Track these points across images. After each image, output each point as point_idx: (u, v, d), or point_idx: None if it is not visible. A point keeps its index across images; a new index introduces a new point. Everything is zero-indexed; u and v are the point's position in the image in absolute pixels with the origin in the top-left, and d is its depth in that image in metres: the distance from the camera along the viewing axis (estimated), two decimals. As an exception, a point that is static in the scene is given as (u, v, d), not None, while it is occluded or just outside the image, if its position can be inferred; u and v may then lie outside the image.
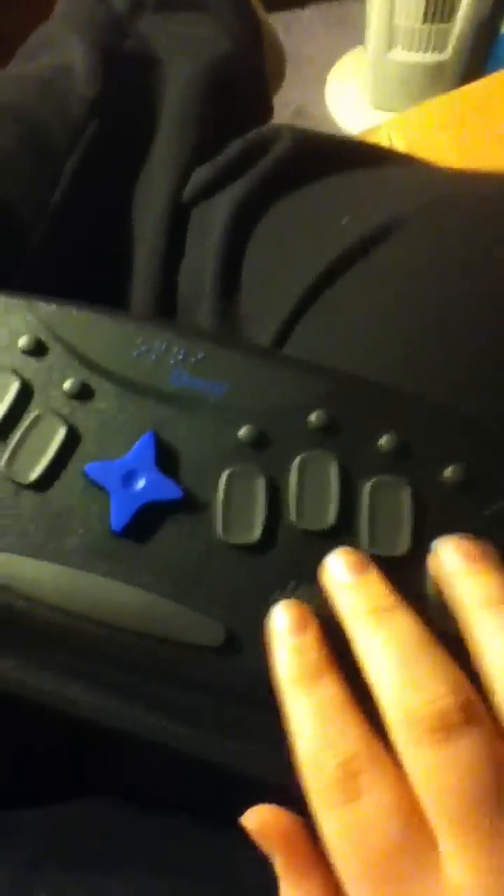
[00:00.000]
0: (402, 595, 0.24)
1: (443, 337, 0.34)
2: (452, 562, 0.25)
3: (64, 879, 0.29)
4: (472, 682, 0.22)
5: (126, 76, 0.51)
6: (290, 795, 0.23)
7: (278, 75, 0.72)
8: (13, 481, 0.28)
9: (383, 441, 0.28)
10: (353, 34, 1.35)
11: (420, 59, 1.12)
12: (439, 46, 1.10)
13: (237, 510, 0.27)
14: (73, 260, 0.46)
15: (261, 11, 0.65)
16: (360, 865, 0.21)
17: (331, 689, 0.23)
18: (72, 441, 0.28)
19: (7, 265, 0.42)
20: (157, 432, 0.28)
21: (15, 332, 0.30)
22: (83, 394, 0.29)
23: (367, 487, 0.28)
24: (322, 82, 1.36)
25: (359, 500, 0.27)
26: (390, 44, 1.12)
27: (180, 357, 0.29)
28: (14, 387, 0.29)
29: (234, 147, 0.45)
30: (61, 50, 0.51)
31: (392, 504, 0.27)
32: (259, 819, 0.24)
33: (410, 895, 0.21)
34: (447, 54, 1.10)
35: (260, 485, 0.28)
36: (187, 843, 0.32)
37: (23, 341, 0.29)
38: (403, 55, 1.12)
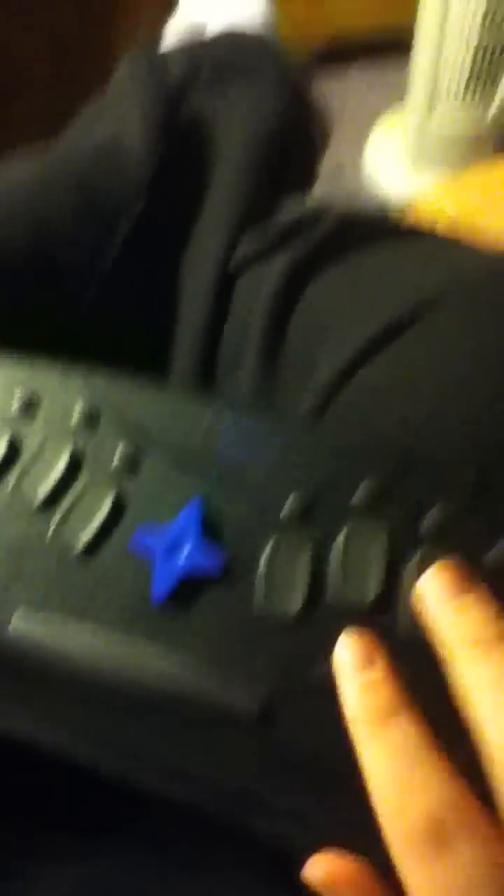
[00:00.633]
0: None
1: (477, 420, 0.35)
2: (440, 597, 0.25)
3: None
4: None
5: (179, 146, 0.53)
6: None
7: (323, 143, 0.74)
8: (61, 548, 0.29)
9: (429, 515, 0.29)
10: (395, 95, 1.38)
11: (462, 122, 1.14)
12: (482, 110, 1.12)
13: (280, 581, 0.28)
14: (121, 324, 0.47)
15: (308, 81, 0.68)
16: None
17: (408, 729, 0.22)
18: (119, 509, 0.29)
19: (58, 330, 0.44)
20: (203, 501, 0.29)
21: (69, 402, 0.31)
22: (132, 463, 0.30)
23: (412, 563, 0.28)
24: (363, 141, 1.38)
25: (403, 576, 0.28)
26: (433, 105, 1.15)
27: (228, 428, 0.30)
28: (65, 455, 0.30)
29: (285, 217, 0.47)
30: (119, 120, 0.54)
31: None
32: (324, 869, 0.23)
33: None
34: (489, 118, 1.12)
35: (304, 557, 0.28)
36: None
37: (76, 411, 0.31)
38: (446, 117, 1.14)
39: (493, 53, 1.04)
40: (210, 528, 0.29)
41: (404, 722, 0.22)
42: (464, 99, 1.11)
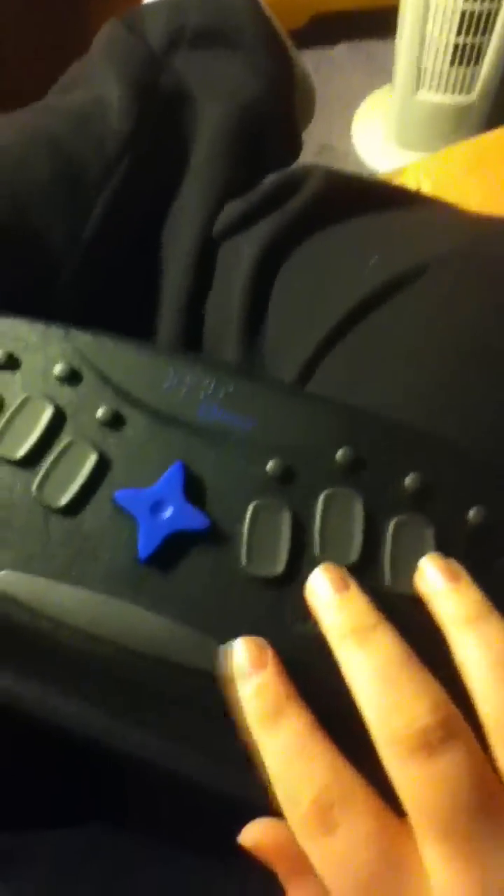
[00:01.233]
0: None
1: (465, 381, 0.34)
2: (436, 581, 0.26)
3: None
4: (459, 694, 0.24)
5: (160, 112, 0.52)
6: None
7: (308, 114, 0.73)
8: (43, 506, 0.29)
9: (408, 481, 0.28)
10: (380, 74, 1.37)
11: (447, 101, 1.14)
12: (466, 89, 1.12)
13: (262, 543, 0.28)
14: (102, 293, 0.47)
15: (293, 50, 0.67)
16: (348, 891, 0.22)
17: (294, 724, 0.24)
18: (102, 468, 0.29)
19: (38, 298, 0.43)
20: (185, 463, 0.29)
21: (51, 359, 0.30)
22: (114, 422, 0.30)
23: (390, 526, 0.28)
24: (348, 120, 1.38)
25: (382, 537, 0.28)
26: (418, 85, 1.14)
27: (210, 390, 0.30)
28: (48, 413, 0.30)
29: (266, 185, 0.46)
30: (98, 84, 0.53)
31: (415, 543, 0.28)
32: (253, 836, 0.25)
33: None
34: (474, 97, 1.11)
35: (285, 518, 0.28)
36: (182, 869, 0.32)
37: (58, 369, 0.30)
38: (430, 96, 1.13)
39: (476, 30, 1.04)
40: (193, 490, 0.29)
41: (292, 718, 0.24)
42: (448, 77, 1.10)
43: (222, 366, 0.32)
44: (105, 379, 0.30)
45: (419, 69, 1.13)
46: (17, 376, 0.30)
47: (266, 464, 0.29)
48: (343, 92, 1.42)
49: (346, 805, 0.23)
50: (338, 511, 0.28)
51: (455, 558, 0.27)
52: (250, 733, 0.25)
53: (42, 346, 0.31)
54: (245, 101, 0.53)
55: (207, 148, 0.50)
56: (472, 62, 1.09)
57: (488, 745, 0.23)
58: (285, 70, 0.62)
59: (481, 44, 1.06)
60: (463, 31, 1.04)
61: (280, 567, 0.27)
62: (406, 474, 0.29)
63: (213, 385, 0.30)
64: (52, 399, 0.30)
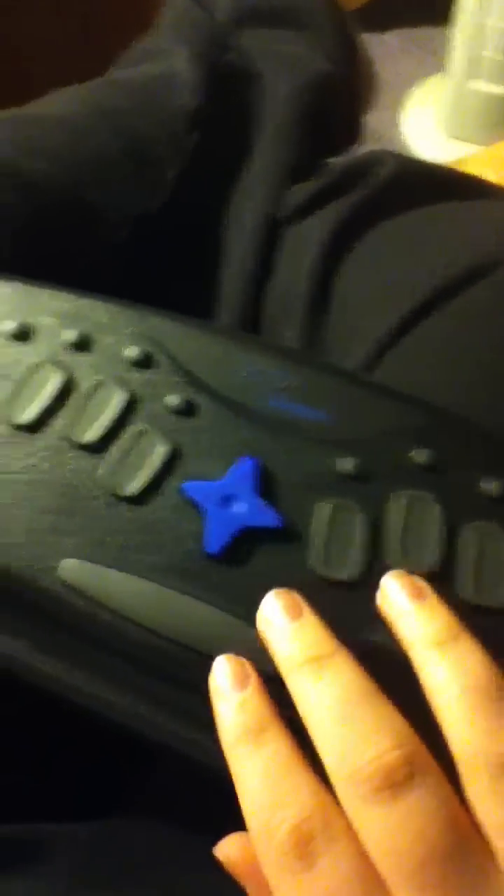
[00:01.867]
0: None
1: None
2: (400, 600, 0.25)
3: None
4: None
5: (226, 90, 0.51)
6: None
7: (366, 101, 0.72)
8: (110, 493, 0.28)
9: (487, 485, 0.27)
10: (433, 61, 1.34)
11: (501, 91, 1.11)
12: (523, 81, 1.09)
13: (335, 544, 0.27)
14: (161, 273, 0.46)
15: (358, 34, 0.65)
16: None
17: (275, 745, 0.22)
18: (172, 457, 0.28)
19: (96, 276, 0.42)
20: (257, 456, 0.28)
21: (124, 342, 0.30)
22: (186, 410, 0.29)
23: (469, 533, 0.27)
24: (399, 108, 1.35)
25: (460, 545, 0.27)
26: (473, 74, 1.12)
27: (284, 381, 0.29)
28: (119, 398, 0.29)
29: (336, 168, 0.45)
30: (166, 59, 0.52)
31: (496, 553, 0.27)
32: (225, 850, 0.23)
33: None
34: (531, 89, 1.09)
35: (359, 520, 0.27)
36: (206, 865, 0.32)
37: (131, 352, 0.29)
38: (486, 86, 1.11)
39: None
40: (264, 484, 0.28)
41: (272, 738, 0.22)
42: (505, 67, 1.07)
43: (296, 355, 0.31)
44: (178, 365, 0.29)
45: (475, 58, 1.10)
46: (90, 358, 0.29)
47: (338, 460, 0.28)
48: (393, 79, 1.39)
49: (328, 839, 0.20)
50: (414, 514, 0.27)
51: None
52: (228, 753, 0.23)
53: (115, 328, 0.30)
54: (313, 81, 0.52)
55: (274, 126, 0.49)
56: (531, 53, 1.06)
57: (460, 781, 0.21)
58: (351, 53, 0.61)
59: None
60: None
61: (353, 571, 0.27)
62: (483, 479, 0.28)
63: (287, 375, 0.29)
64: (124, 384, 0.29)
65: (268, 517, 0.27)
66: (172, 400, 0.29)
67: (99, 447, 0.28)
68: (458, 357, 0.36)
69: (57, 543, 0.27)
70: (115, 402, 0.29)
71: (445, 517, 0.27)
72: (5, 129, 0.43)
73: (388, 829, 0.20)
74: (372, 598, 0.26)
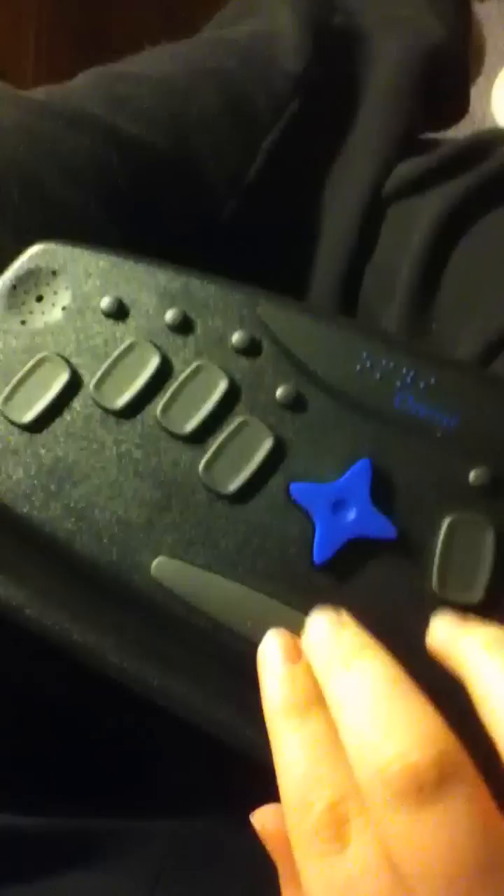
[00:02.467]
0: None
1: None
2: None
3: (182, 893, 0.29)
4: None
5: (333, 53, 0.47)
6: None
7: (475, 71, 0.68)
8: (209, 489, 0.25)
9: None
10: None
11: None
12: None
13: (458, 564, 0.24)
14: (258, 242, 0.43)
15: None
16: None
17: (322, 724, 0.21)
18: (277, 454, 0.26)
19: (194, 241, 0.40)
20: (374, 460, 0.25)
21: (228, 325, 0.27)
22: (295, 404, 0.26)
23: None
24: (489, 81, 1.29)
25: None
26: None
27: (409, 379, 0.26)
28: (221, 386, 0.26)
29: (452, 145, 0.42)
30: (270, 17, 0.49)
31: None
32: (262, 819, 0.23)
33: None
34: None
35: (488, 538, 0.24)
36: None
37: (236, 337, 0.27)
38: None
39: None
40: (380, 491, 0.25)
41: (320, 716, 0.21)
42: None
43: (423, 351, 0.28)
44: (288, 353, 0.27)
45: None
46: (190, 341, 0.27)
47: (470, 471, 0.25)
48: (488, 51, 1.32)
49: (363, 825, 0.19)
50: None
51: None
52: (271, 723, 0.22)
53: (219, 310, 0.27)
54: (427, 47, 0.48)
55: (383, 96, 0.46)
56: None
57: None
58: (465, 18, 0.56)
59: None
60: None
61: (478, 595, 0.24)
62: None
63: (413, 372, 0.26)
64: (226, 371, 0.26)
65: (382, 527, 0.24)
66: (280, 392, 0.26)
67: (198, 438, 0.26)
68: None
69: (151, 539, 0.25)
70: (217, 391, 0.26)
71: None
72: (102, 90, 0.41)
73: (414, 839, 0.18)
74: (495, 622, 0.24)
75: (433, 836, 0.18)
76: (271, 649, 0.23)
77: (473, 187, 0.39)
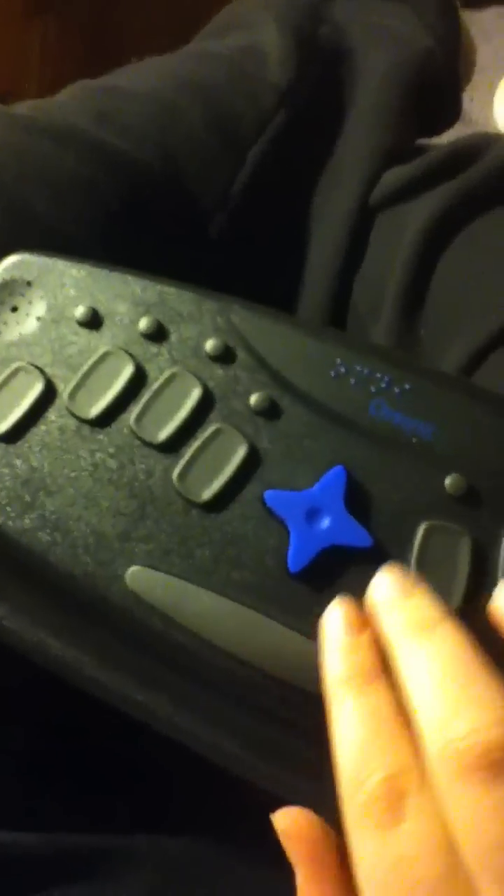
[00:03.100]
0: None
1: None
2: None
3: None
4: None
5: (319, 65, 0.47)
6: None
7: (465, 81, 0.67)
8: (184, 498, 0.25)
9: None
10: (531, 43, 1.28)
11: None
12: None
13: (435, 573, 0.24)
14: (246, 255, 0.43)
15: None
16: None
17: (384, 696, 0.21)
18: (252, 462, 0.25)
19: (181, 256, 0.40)
20: (348, 467, 0.25)
21: (202, 333, 0.27)
22: (269, 411, 0.26)
23: None
24: (491, 90, 1.29)
25: None
26: None
27: (383, 386, 0.26)
28: (195, 394, 0.26)
29: (437, 152, 0.42)
30: (256, 30, 0.49)
31: None
32: (289, 820, 0.22)
33: None
34: None
35: (464, 547, 0.24)
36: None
37: (209, 345, 0.27)
38: None
39: None
40: (354, 499, 0.25)
41: (382, 687, 0.21)
42: None
43: (399, 358, 0.28)
44: (262, 361, 0.27)
45: None
46: (164, 349, 0.27)
47: (445, 479, 0.25)
48: (487, 60, 1.33)
49: (422, 798, 0.19)
50: None
51: None
52: (331, 692, 0.21)
53: (193, 318, 0.27)
54: (414, 58, 0.48)
55: (370, 107, 0.46)
56: None
57: None
58: (453, 29, 0.56)
59: None
60: None
61: (455, 603, 0.23)
62: None
63: (387, 380, 0.26)
64: (200, 378, 0.26)
65: (357, 536, 0.24)
66: (254, 399, 0.26)
67: (172, 446, 0.26)
68: None
69: (125, 549, 0.25)
70: (191, 398, 0.26)
71: None
72: (88, 104, 0.41)
73: (479, 815, 0.17)
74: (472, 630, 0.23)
75: (499, 815, 0.17)
76: (334, 618, 0.22)
77: (458, 195, 0.39)
